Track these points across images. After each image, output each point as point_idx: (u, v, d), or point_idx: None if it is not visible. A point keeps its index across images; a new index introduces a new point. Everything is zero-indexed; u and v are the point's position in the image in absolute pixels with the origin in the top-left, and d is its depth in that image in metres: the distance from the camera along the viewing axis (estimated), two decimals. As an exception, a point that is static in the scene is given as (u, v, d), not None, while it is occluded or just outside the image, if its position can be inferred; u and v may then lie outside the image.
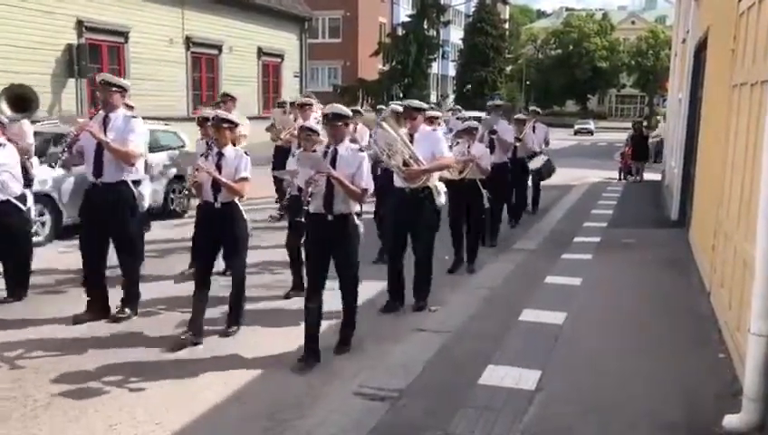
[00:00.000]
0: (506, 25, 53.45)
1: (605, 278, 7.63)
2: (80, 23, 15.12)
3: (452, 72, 50.94)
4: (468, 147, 7.81)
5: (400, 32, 38.33)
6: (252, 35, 21.15)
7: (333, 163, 5.02)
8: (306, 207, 5.08)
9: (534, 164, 11.70)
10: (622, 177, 19.48)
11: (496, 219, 9.71)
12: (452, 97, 48.50)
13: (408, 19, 38.67)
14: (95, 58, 15.61)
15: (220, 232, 5.52)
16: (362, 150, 5.34)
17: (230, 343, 5.50)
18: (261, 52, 21.72)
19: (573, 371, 4.87)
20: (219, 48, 19.81)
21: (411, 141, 6.14)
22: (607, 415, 4.17)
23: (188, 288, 5.73)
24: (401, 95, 37.47)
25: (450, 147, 7.41)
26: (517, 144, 10.64)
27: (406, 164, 6.10)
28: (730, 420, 3.90)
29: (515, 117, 11.97)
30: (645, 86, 69.19)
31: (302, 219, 5.49)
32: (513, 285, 7.32)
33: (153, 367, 4.95)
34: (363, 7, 39.55)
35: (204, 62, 19.50)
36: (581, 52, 66.44)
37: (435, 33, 38.67)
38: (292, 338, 5.47)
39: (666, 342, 5.52)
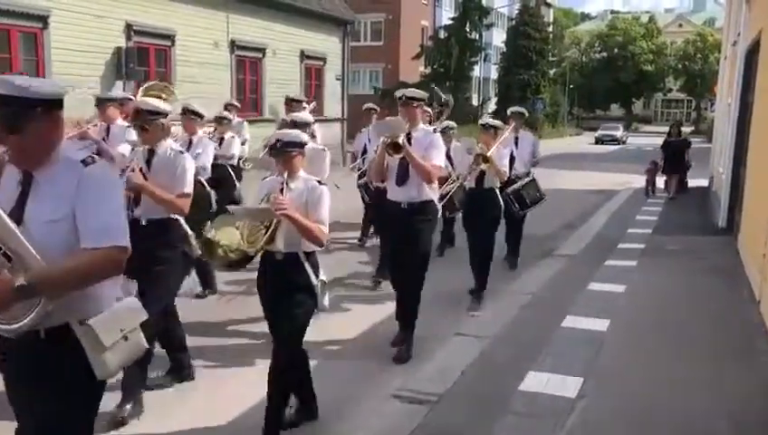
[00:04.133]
0: (550, 28, 52.80)
1: (650, 286, 7.48)
2: (128, 26, 15.45)
3: (494, 74, 50.57)
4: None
5: (442, 35, 38.23)
6: (295, 38, 21.31)
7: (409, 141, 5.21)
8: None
9: (513, 187, 8.25)
10: (649, 191, 16.07)
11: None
12: (494, 100, 48.18)
13: (451, 22, 38.56)
14: (142, 61, 15.93)
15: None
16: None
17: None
18: (303, 55, 21.86)
19: (616, 379, 4.79)
20: (263, 51, 20.02)
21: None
22: (649, 426, 4.08)
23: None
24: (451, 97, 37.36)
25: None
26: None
27: None
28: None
29: (481, 122, 8.22)
30: (692, 90, 67.79)
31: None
32: (555, 290, 7.23)
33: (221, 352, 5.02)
34: (406, 10, 39.53)
35: (248, 65, 19.73)
36: (626, 55, 65.38)
37: (477, 35, 38.49)
38: (331, 340, 5.48)
39: (712, 352, 5.39)
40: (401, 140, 5.01)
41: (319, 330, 5.86)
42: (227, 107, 9.97)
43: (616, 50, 66.37)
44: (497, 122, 6.96)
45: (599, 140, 44.64)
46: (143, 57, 16.02)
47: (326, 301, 3.93)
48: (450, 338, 5.67)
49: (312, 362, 5.11)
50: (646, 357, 5.25)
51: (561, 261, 8.73)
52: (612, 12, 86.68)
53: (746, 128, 9.77)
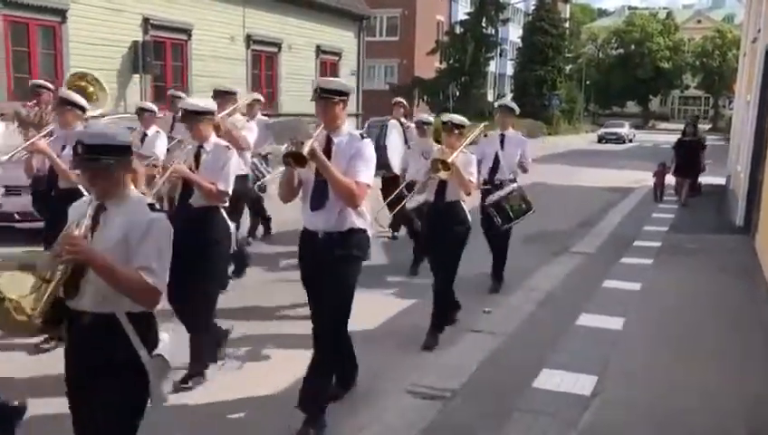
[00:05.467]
0: (566, 24, 52.41)
1: (666, 284, 7.43)
2: (146, 20, 15.54)
3: (510, 70, 50.33)
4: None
5: (458, 30, 38.07)
6: (310, 33, 21.34)
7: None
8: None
9: (493, 196, 6.92)
10: (658, 195, 14.65)
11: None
12: (509, 96, 47.98)
13: (467, 17, 38.38)
14: (159, 55, 16.02)
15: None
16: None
17: (287, 332, 5.56)
18: (319, 50, 21.88)
19: (631, 378, 4.76)
20: (279, 46, 20.06)
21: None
22: (664, 426, 4.06)
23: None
24: (457, 94, 37.28)
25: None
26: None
27: None
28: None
29: (416, 120, 8.01)
30: (710, 87, 67.13)
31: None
32: (570, 288, 7.20)
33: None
34: (421, 5, 39.39)
35: (263, 60, 19.78)
36: (643, 51, 64.81)
37: (493, 31, 38.28)
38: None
39: (728, 352, 5.35)
40: (307, 148, 3.58)
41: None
42: (218, 94, 9.05)
43: (633, 46, 65.80)
44: (462, 119, 5.60)
45: (601, 139, 41.14)
46: (160, 51, 16.11)
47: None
48: (464, 335, 5.67)
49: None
50: (661, 356, 5.22)
51: (576, 258, 8.69)
52: (630, 8, 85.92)
53: (765, 125, 9.67)
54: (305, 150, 3.58)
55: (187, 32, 16.79)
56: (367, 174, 3.88)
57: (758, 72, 10.96)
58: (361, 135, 4.03)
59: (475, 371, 4.81)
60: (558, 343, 5.35)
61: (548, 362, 4.93)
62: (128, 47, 15.13)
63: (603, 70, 67.32)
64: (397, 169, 8.07)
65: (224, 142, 4.75)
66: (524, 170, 7.41)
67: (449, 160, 5.18)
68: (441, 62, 38.40)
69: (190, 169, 4.52)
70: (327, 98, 3.89)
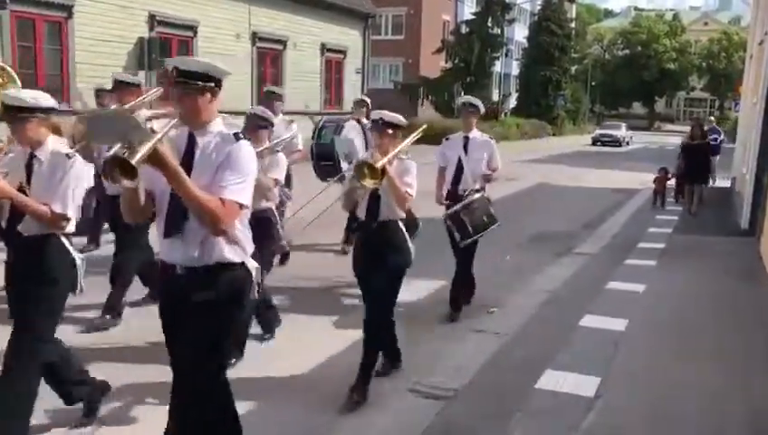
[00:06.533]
0: (572, 24, 52.32)
1: (670, 286, 7.41)
2: (152, 17, 15.57)
3: (515, 70, 50.31)
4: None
5: (464, 30, 38.05)
6: (316, 31, 21.36)
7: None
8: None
9: (453, 208, 6.05)
10: (657, 202, 13.68)
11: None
12: (514, 96, 47.91)
13: (473, 17, 38.35)
14: (165, 52, 16.04)
15: None
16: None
17: (290, 335, 5.56)
18: (324, 48, 21.90)
19: (634, 380, 4.75)
20: (284, 43, 20.08)
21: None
22: (668, 428, 4.05)
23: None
24: (462, 93, 37.24)
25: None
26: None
27: None
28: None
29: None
30: (716, 89, 67.00)
31: None
32: (573, 289, 7.18)
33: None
34: (427, 4, 39.38)
35: (269, 58, 19.81)
36: (650, 53, 64.72)
37: (499, 31, 38.25)
38: (349, 333, 5.50)
39: (732, 355, 5.33)
40: (139, 156, 2.47)
41: (335, 323, 5.90)
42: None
43: (639, 47, 65.71)
44: (396, 117, 4.38)
45: (596, 141, 39.18)
46: (165, 48, 16.14)
47: None
48: (468, 334, 5.66)
49: (328, 356, 5.15)
50: (664, 358, 5.20)
51: (580, 259, 8.67)
52: (636, 9, 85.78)
53: (772, 128, 9.64)
54: (135, 159, 2.45)
55: (193, 29, 16.82)
56: (238, 188, 2.86)
57: (764, 74, 10.92)
58: (236, 134, 2.96)
59: (477, 371, 4.80)
60: (561, 344, 5.34)
61: (551, 362, 4.92)
62: (134, 43, 15.17)
63: (609, 71, 67.25)
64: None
65: (65, 149, 3.57)
66: (487, 180, 6.28)
67: (378, 166, 3.99)
68: (446, 62, 38.38)
69: (20, 185, 3.46)
70: (185, 83, 2.88)
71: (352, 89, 23.42)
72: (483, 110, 6.42)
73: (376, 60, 32.72)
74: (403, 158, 4.43)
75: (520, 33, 49.68)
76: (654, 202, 13.79)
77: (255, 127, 5.08)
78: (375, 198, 4.35)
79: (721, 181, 16.74)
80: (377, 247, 4.39)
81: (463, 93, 36.99)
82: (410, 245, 4.48)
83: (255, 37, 18.90)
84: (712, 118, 24.22)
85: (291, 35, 20.25)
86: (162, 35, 15.95)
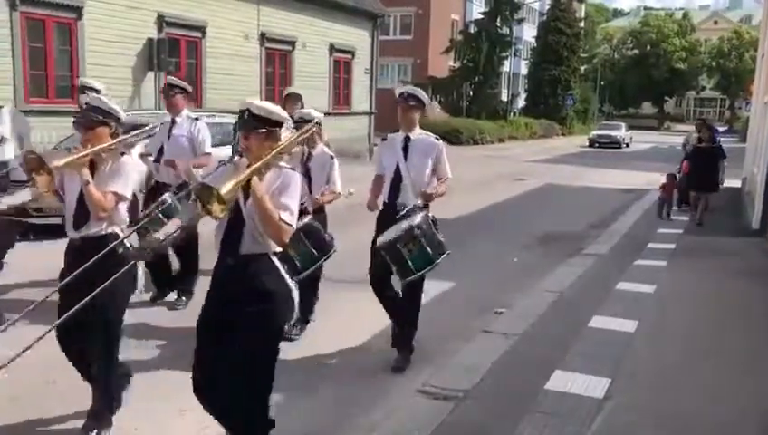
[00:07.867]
0: (581, 24, 52.18)
1: (680, 287, 7.37)
2: (161, 17, 15.60)
3: (524, 70, 50.21)
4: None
5: (473, 29, 37.99)
6: (324, 31, 21.35)
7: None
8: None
9: (388, 235, 4.60)
10: (663, 212, 12.10)
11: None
12: (523, 96, 47.80)
13: (481, 16, 38.29)
14: (173, 52, 16.07)
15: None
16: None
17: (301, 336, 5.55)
18: (333, 48, 21.88)
19: (644, 381, 4.72)
20: (293, 44, 20.08)
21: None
22: (677, 429, 4.03)
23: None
24: (471, 93, 37.19)
25: None
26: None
27: None
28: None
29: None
30: (726, 89, 66.67)
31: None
32: (582, 290, 7.15)
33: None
34: (436, 4, 39.31)
35: (277, 58, 19.80)
36: (659, 52, 64.45)
37: (507, 30, 38.18)
38: (357, 334, 5.49)
39: (743, 357, 5.29)
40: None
41: (344, 323, 5.89)
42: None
43: (648, 47, 65.47)
44: (269, 108, 3.15)
45: (593, 142, 37.27)
46: (174, 48, 16.16)
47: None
48: (477, 335, 5.64)
49: (338, 356, 5.15)
50: (674, 359, 5.17)
51: (589, 260, 8.63)
52: (645, 8, 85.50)
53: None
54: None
55: (201, 29, 16.84)
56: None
57: (776, 73, 10.86)
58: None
59: (487, 371, 4.78)
60: (571, 345, 5.31)
61: (560, 363, 4.90)
62: (143, 44, 15.20)
63: (618, 70, 67.07)
64: None
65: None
66: (428, 197, 4.81)
67: (222, 191, 2.74)
68: (455, 62, 38.34)
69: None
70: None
71: (361, 89, 23.42)
72: (427, 103, 5.03)
73: (384, 60, 32.71)
74: (283, 167, 3.21)
75: (529, 33, 49.56)
76: (659, 213, 12.13)
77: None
78: (237, 223, 3.12)
79: (729, 181, 16.38)
80: (237, 294, 3.12)
81: (471, 93, 37.07)
82: (291, 288, 3.18)
83: (264, 38, 18.91)
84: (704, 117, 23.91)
85: (299, 36, 20.25)
86: (171, 36, 15.98)
